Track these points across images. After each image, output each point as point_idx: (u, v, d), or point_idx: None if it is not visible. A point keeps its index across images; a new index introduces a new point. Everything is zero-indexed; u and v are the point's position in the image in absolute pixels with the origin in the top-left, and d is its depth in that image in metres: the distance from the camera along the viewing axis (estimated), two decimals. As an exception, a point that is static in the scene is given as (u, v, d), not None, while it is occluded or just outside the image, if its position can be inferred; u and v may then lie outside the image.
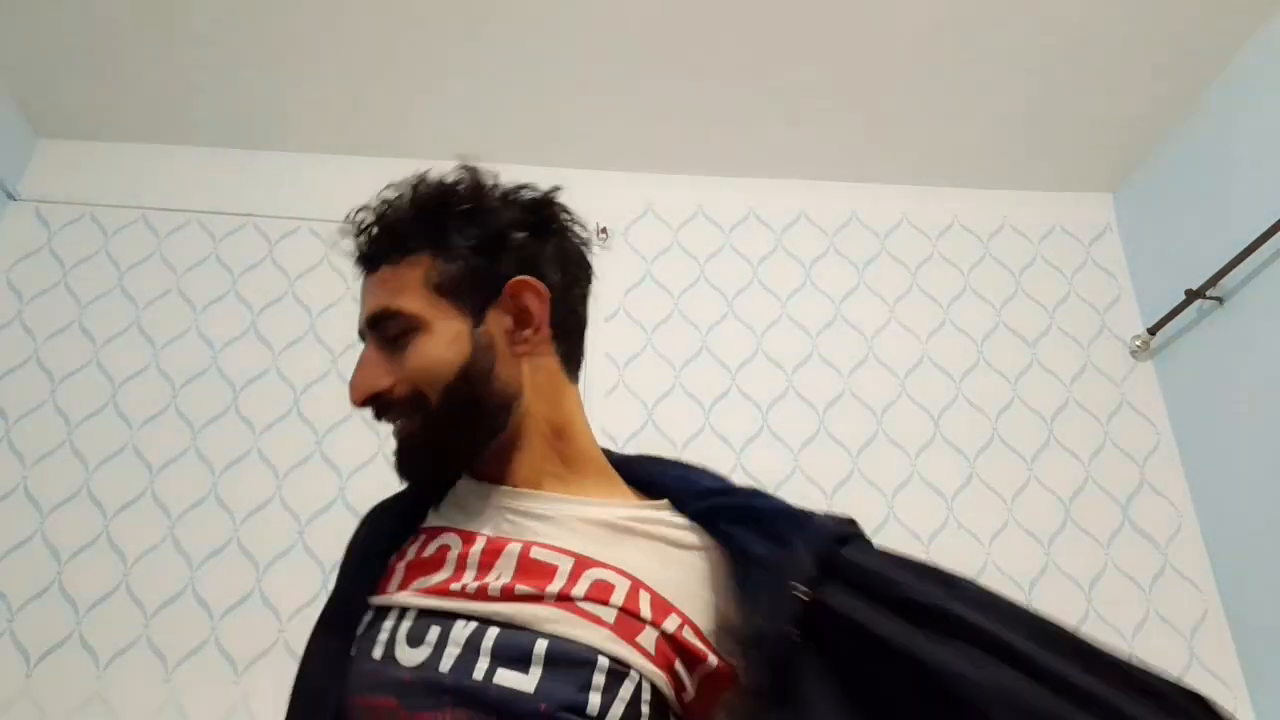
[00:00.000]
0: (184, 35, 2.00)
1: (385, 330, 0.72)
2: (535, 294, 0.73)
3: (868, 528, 0.74)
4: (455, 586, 0.68)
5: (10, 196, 2.15)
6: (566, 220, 0.79)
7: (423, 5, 1.91)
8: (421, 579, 0.70)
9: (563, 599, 0.66)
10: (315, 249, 2.18)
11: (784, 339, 2.14)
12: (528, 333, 0.73)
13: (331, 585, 0.78)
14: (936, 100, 2.11)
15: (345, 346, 2.05)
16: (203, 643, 1.75)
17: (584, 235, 0.81)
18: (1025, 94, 2.08)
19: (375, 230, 0.74)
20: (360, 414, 0.74)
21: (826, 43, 1.97)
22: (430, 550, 0.72)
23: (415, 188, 0.75)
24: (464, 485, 0.77)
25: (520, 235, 0.74)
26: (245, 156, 2.28)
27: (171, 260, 2.15)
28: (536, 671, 0.63)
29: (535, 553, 0.69)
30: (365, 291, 0.75)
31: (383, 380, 0.71)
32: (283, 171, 2.27)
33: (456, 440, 0.72)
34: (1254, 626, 1.79)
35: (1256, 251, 1.80)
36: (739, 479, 0.79)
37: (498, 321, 0.73)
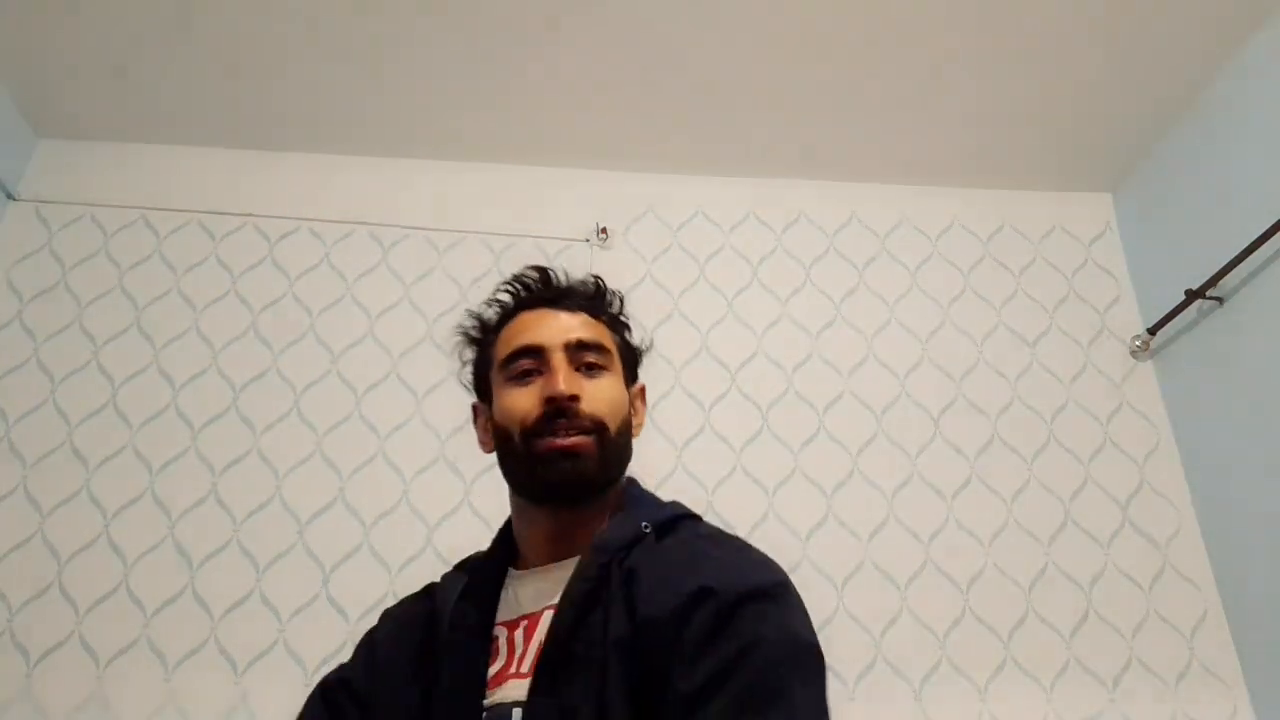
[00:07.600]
0: (184, 35, 2.00)
1: (584, 356, 0.85)
2: (644, 401, 0.92)
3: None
4: None
5: (10, 196, 2.15)
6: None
7: (422, 6, 1.91)
8: None
9: None
10: (315, 249, 2.18)
11: (784, 339, 2.14)
12: (637, 423, 0.90)
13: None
14: (937, 100, 2.11)
15: (345, 346, 2.05)
16: (203, 643, 1.74)
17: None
18: (1025, 94, 2.08)
19: (580, 286, 0.92)
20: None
21: (827, 43, 1.97)
22: None
23: (597, 283, 0.93)
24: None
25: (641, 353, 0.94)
26: (245, 156, 2.28)
27: (171, 260, 2.15)
28: None
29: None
30: (556, 321, 0.88)
31: (584, 391, 0.83)
32: (283, 171, 2.27)
33: (611, 474, 0.84)
34: (1254, 626, 1.79)
35: (1256, 251, 1.80)
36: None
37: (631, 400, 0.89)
